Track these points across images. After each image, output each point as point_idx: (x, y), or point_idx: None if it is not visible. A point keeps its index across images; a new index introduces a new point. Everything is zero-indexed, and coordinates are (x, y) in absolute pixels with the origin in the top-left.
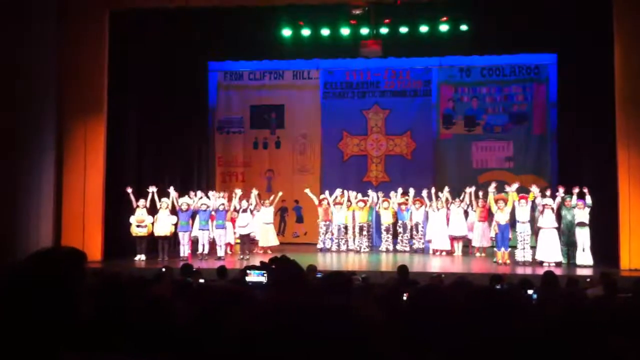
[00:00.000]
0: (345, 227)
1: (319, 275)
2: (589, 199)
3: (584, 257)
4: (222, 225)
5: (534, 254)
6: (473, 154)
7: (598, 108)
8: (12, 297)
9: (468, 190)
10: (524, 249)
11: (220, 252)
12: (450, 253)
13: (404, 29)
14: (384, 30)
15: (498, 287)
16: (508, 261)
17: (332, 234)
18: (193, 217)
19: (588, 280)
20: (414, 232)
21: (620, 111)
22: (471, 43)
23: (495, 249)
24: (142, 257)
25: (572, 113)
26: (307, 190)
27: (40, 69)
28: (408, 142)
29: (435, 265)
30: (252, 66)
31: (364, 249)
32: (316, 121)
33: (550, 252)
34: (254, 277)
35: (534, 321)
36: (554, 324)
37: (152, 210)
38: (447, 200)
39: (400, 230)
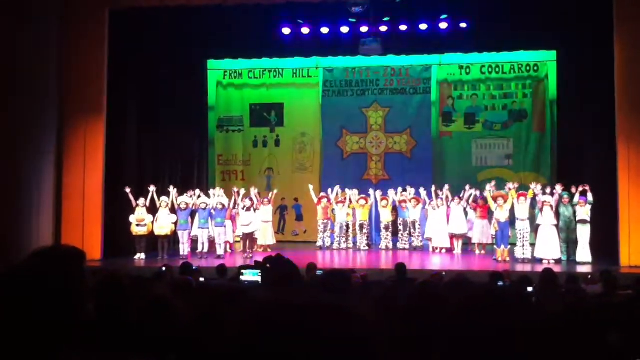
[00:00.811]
0: (347, 225)
1: (319, 273)
2: (590, 197)
3: (583, 254)
4: (222, 224)
5: (533, 252)
6: (473, 152)
7: (598, 105)
8: (11, 297)
9: (468, 188)
10: (523, 246)
11: (220, 251)
12: (450, 251)
13: (403, 27)
14: (383, 28)
15: (500, 284)
16: (508, 259)
17: (333, 232)
18: (192, 215)
19: (589, 277)
20: (412, 230)
21: (620, 109)
22: (471, 41)
23: (495, 246)
24: (142, 256)
25: (571, 111)
26: (311, 187)
27: (40, 69)
28: (408, 140)
29: (436, 262)
30: (251, 64)
31: (364, 247)
32: (316, 119)
33: (549, 249)
34: (248, 276)
35: (533, 318)
36: (555, 321)
37: (152, 209)
38: (447, 198)
39: (400, 228)
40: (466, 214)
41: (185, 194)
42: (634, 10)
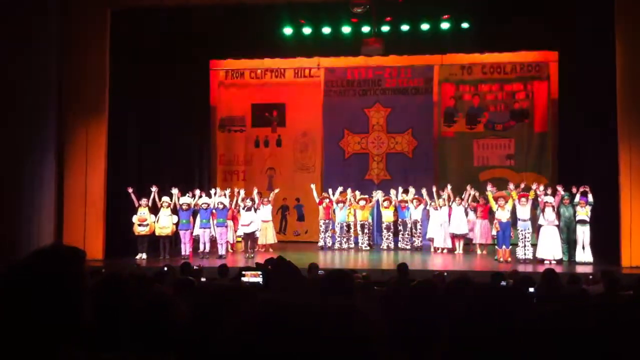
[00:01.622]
0: (348, 225)
1: (321, 273)
2: (590, 198)
3: (584, 254)
4: (223, 224)
5: (534, 252)
6: (474, 152)
7: (600, 105)
8: (12, 296)
9: (469, 189)
10: (524, 246)
11: (221, 251)
12: (451, 251)
13: (405, 27)
14: (385, 28)
15: (503, 283)
16: (509, 259)
17: (334, 232)
18: (194, 215)
19: (591, 277)
20: (414, 230)
21: (622, 109)
22: (472, 41)
23: (496, 246)
24: (144, 256)
25: (573, 110)
26: (313, 186)
27: (41, 69)
28: (409, 140)
29: (437, 263)
30: (253, 64)
31: (365, 247)
32: (317, 119)
33: (551, 249)
34: (250, 278)
35: (535, 319)
36: (557, 321)
37: (154, 210)
38: (448, 198)
39: (400, 228)
40: (467, 214)
41: (187, 194)
42: (635, 10)
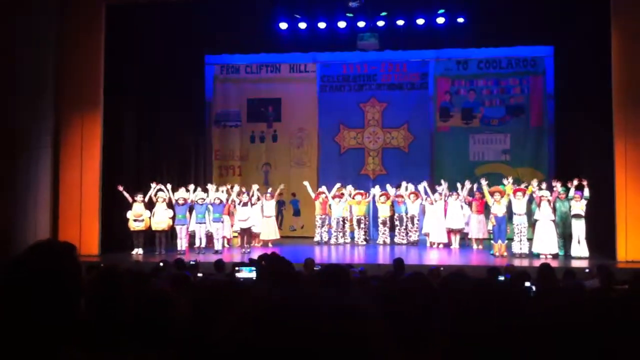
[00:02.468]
0: (344, 220)
1: (317, 268)
2: (587, 192)
3: (580, 249)
4: (219, 219)
5: (530, 246)
6: (470, 147)
7: (595, 100)
8: (8, 294)
9: (468, 184)
10: (520, 241)
11: (217, 246)
12: (447, 246)
13: (400, 22)
14: (380, 23)
15: (501, 278)
16: (505, 253)
17: (330, 227)
18: (190, 210)
19: (587, 271)
20: (410, 225)
21: (618, 103)
22: (468, 35)
23: (492, 241)
24: (140, 251)
25: (569, 105)
26: (306, 183)
27: (37, 63)
28: (405, 135)
29: (433, 257)
30: (248, 59)
31: (361, 241)
32: (313, 114)
33: (547, 244)
34: (244, 273)
35: (533, 313)
36: (555, 316)
37: (149, 205)
38: (445, 193)
39: (397, 223)
40: (462, 208)
41: (182, 189)
42: (631, 5)
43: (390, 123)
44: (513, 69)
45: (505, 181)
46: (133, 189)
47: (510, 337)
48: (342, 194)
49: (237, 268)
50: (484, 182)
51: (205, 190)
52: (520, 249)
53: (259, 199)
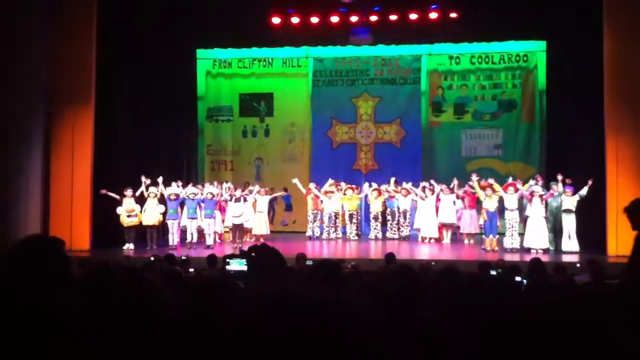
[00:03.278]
0: (336, 215)
1: (309, 263)
2: (584, 191)
3: (570, 243)
4: (211, 215)
5: (522, 241)
6: (462, 142)
7: (587, 96)
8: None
9: (455, 181)
10: (512, 236)
11: (209, 241)
12: (438, 240)
13: (393, 17)
14: (373, 18)
15: (493, 273)
16: (496, 248)
17: (322, 222)
18: (182, 206)
19: (578, 266)
20: (402, 220)
21: (609, 99)
22: (460, 31)
23: (483, 236)
24: (131, 246)
25: (561, 101)
26: (296, 180)
27: (28, 58)
28: (397, 130)
29: (424, 252)
30: (241, 54)
31: (353, 236)
32: (305, 109)
33: (538, 239)
34: (235, 266)
35: (525, 308)
36: (546, 310)
37: (139, 199)
38: (432, 191)
39: (389, 218)
40: (454, 204)
41: (174, 184)
42: (624, 1)
43: (383, 118)
44: (505, 64)
45: (489, 180)
46: (125, 183)
47: (501, 333)
48: (334, 191)
49: (227, 260)
50: (474, 177)
51: (195, 185)
52: (512, 243)
53: (243, 193)
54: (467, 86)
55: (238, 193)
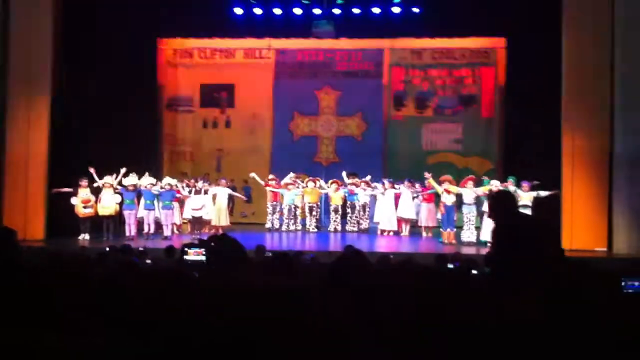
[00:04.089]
0: (295, 207)
1: (268, 255)
2: (544, 193)
3: None
4: (169, 206)
5: (478, 235)
6: (423, 136)
7: (545, 93)
8: None
9: (407, 182)
10: (469, 229)
11: (167, 232)
12: (397, 233)
13: (356, 10)
14: (336, 11)
15: (450, 266)
16: (454, 241)
17: (282, 214)
18: (139, 196)
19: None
20: (361, 213)
21: (567, 96)
22: (423, 25)
23: (441, 229)
24: (86, 236)
25: (519, 97)
26: (254, 175)
27: None
28: (359, 123)
29: (383, 245)
30: (202, 44)
31: (312, 229)
32: (267, 101)
33: None
34: (193, 256)
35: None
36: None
37: (95, 190)
38: (392, 185)
39: (348, 210)
40: (413, 199)
41: (131, 174)
42: None
43: (345, 111)
44: (466, 60)
45: (489, 181)
46: (80, 173)
47: (456, 325)
48: (295, 181)
49: (185, 249)
50: (427, 175)
51: (154, 176)
52: (469, 237)
53: (203, 185)
54: (429, 81)
55: (201, 184)
